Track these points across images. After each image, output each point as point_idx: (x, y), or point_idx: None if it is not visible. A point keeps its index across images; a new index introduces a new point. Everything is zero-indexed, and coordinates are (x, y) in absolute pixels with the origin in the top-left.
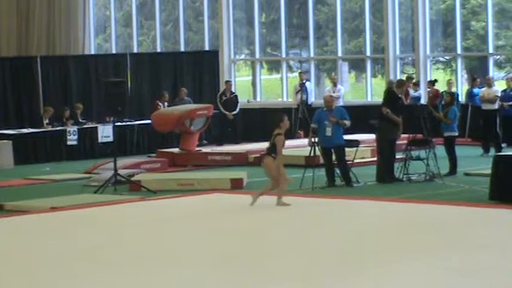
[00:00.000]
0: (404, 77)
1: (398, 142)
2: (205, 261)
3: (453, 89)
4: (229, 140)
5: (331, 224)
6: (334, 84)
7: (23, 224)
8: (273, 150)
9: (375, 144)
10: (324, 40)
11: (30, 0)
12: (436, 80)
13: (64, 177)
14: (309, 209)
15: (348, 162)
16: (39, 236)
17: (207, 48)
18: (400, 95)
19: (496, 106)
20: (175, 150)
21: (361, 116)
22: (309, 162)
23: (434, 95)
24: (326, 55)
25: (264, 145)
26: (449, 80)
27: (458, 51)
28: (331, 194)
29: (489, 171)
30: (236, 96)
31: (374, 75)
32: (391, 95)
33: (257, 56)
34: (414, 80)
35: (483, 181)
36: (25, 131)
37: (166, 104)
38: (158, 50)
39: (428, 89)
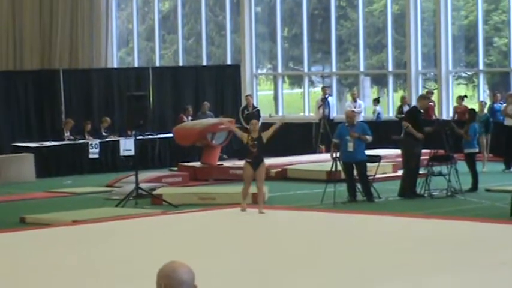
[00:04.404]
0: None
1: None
2: (225, 276)
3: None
4: None
5: (352, 240)
6: (354, 100)
7: (44, 237)
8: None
9: (398, 159)
10: (346, 55)
11: (53, 14)
12: (466, 96)
13: (86, 190)
14: (329, 224)
15: (369, 178)
16: (60, 249)
17: (229, 62)
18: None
19: None
20: (197, 164)
21: (382, 132)
22: (331, 177)
23: (463, 111)
24: (348, 70)
25: (287, 160)
26: (482, 101)
27: (481, 67)
28: (352, 209)
29: (511, 188)
30: (258, 110)
31: (396, 90)
32: (413, 111)
33: (279, 70)
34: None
35: (505, 197)
36: (47, 144)
37: (190, 118)
38: (180, 63)
39: (456, 105)
